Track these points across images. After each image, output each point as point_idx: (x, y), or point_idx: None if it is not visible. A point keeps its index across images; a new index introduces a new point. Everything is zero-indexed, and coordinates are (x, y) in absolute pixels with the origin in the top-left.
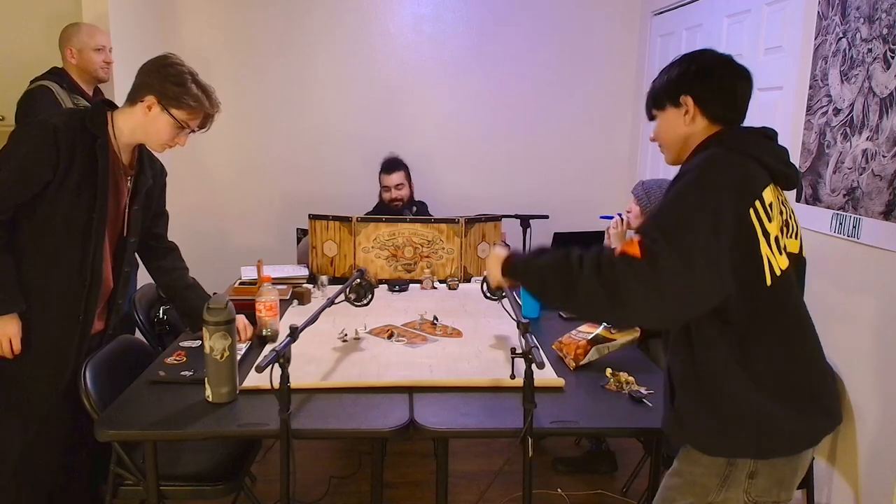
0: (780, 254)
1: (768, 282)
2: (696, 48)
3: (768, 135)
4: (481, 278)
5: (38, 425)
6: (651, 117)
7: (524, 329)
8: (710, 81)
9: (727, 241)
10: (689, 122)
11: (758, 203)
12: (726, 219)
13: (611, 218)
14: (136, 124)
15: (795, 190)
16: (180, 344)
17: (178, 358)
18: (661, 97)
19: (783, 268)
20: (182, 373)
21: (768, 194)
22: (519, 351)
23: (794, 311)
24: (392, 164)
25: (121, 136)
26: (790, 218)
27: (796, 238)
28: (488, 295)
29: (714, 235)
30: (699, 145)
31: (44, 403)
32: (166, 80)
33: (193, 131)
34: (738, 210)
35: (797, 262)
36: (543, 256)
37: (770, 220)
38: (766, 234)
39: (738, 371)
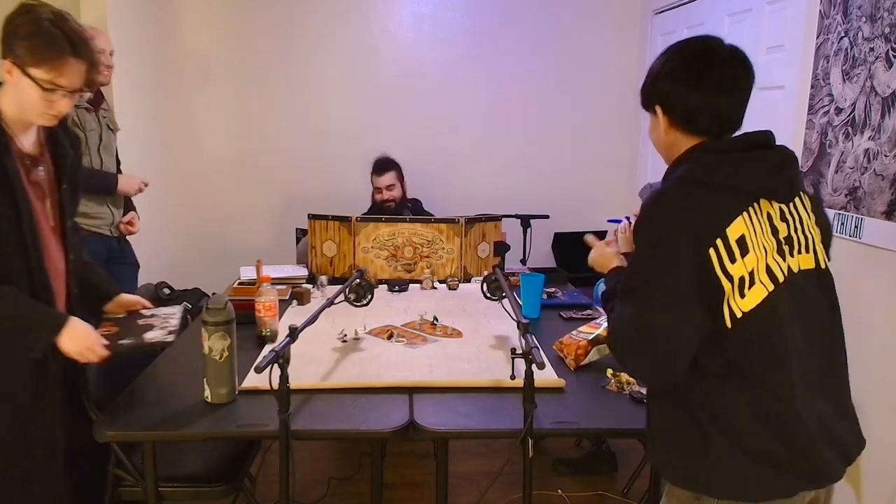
0: (743, 297)
1: (728, 324)
2: None
3: (758, 143)
4: (481, 278)
5: (34, 437)
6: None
7: (524, 329)
8: (679, 93)
9: (688, 287)
10: (661, 131)
11: (719, 242)
12: (683, 266)
13: (619, 222)
14: (11, 99)
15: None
16: (104, 317)
17: (106, 330)
18: (643, 100)
19: (745, 310)
20: (120, 342)
21: (737, 228)
22: (519, 351)
23: (765, 356)
24: (382, 165)
25: (10, 121)
26: (796, 231)
27: (808, 252)
28: (488, 295)
29: (673, 293)
30: (678, 158)
31: (30, 416)
32: (16, 35)
33: (79, 91)
34: (696, 252)
35: (816, 278)
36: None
37: (734, 260)
38: (729, 277)
39: (702, 409)
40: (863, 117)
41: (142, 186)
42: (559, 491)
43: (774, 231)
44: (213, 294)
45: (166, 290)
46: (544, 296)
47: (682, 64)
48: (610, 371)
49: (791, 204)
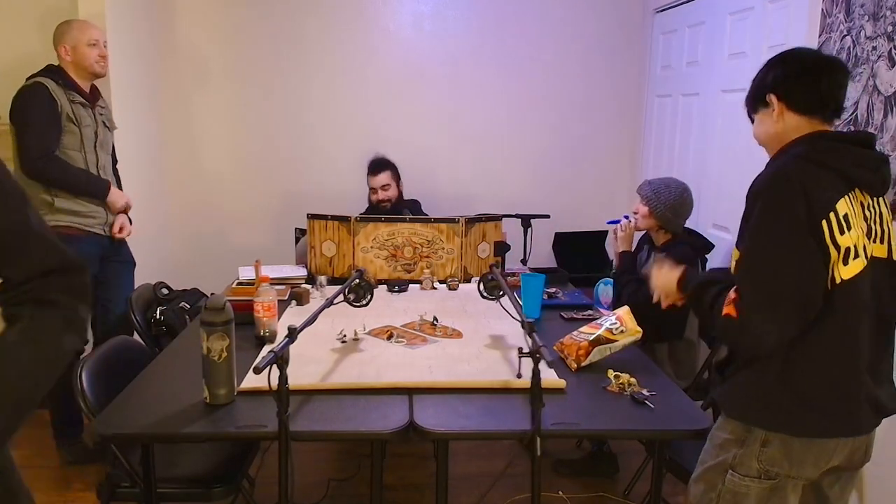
0: (846, 265)
1: (828, 287)
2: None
3: (860, 141)
4: (478, 278)
5: None
6: (752, 121)
7: (530, 329)
8: (792, 76)
9: (809, 253)
10: (778, 120)
11: (832, 215)
12: (799, 233)
13: (617, 222)
14: None
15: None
16: None
17: None
18: (752, 100)
19: (844, 278)
20: None
21: (844, 206)
22: (526, 350)
23: (849, 321)
24: (377, 165)
25: None
26: (875, 223)
27: (883, 243)
28: (485, 294)
29: (794, 265)
30: (787, 145)
31: None
32: None
33: None
34: (811, 223)
35: (885, 266)
36: (698, 296)
37: (842, 232)
38: (837, 246)
39: (777, 359)
40: (865, 116)
41: (126, 207)
42: (560, 492)
43: (865, 217)
44: (212, 294)
45: (164, 290)
46: (545, 296)
47: (789, 59)
48: (611, 372)
49: (876, 199)
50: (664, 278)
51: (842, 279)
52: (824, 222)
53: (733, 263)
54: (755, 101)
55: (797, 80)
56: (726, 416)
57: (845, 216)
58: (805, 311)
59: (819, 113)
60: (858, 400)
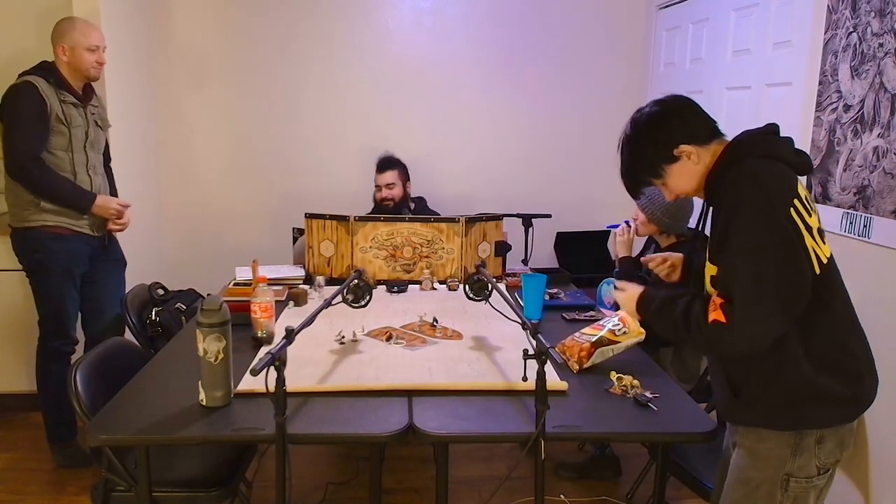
0: (824, 243)
1: (817, 271)
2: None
3: (775, 132)
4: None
5: None
6: (638, 195)
7: (534, 330)
8: (683, 121)
9: (796, 244)
10: (698, 161)
11: (796, 201)
12: (785, 226)
13: (617, 227)
14: None
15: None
16: None
17: None
18: (652, 169)
19: (828, 255)
20: None
21: (801, 191)
22: (531, 352)
23: (840, 293)
24: (384, 164)
25: None
26: (808, 202)
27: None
28: (471, 296)
29: (786, 256)
30: (717, 163)
31: None
32: None
33: None
34: (787, 212)
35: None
36: (663, 311)
37: (809, 213)
38: (809, 228)
39: (798, 352)
40: (872, 114)
41: (116, 213)
42: (562, 496)
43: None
44: (209, 295)
45: (160, 291)
46: (546, 297)
47: (664, 113)
48: (613, 374)
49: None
50: (625, 298)
51: (827, 258)
52: (792, 210)
53: (708, 279)
54: (662, 163)
55: (688, 121)
56: (779, 430)
57: (806, 198)
58: (796, 306)
59: (717, 134)
60: (873, 360)
